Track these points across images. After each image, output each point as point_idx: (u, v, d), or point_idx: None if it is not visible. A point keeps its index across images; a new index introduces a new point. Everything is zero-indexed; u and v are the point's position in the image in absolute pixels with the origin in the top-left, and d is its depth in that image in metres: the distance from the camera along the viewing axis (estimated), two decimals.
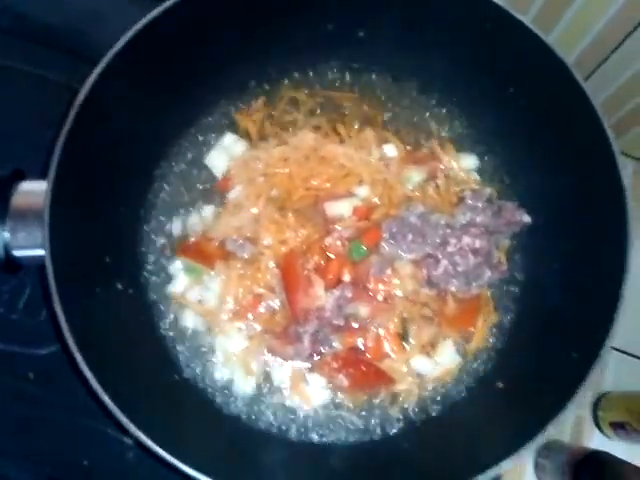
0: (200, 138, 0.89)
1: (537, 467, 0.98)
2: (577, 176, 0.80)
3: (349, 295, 0.82)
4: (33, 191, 0.67)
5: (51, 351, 0.88)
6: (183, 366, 0.81)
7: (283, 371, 0.81)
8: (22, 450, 0.86)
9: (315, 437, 0.80)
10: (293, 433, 0.80)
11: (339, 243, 0.84)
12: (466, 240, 0.84)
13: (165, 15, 0.73)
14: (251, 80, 0.91)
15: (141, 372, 0.73)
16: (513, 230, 0.88)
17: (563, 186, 0.82)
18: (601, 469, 0.84)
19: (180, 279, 0.84)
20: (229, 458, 0.71)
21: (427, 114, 0.93)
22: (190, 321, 0.83)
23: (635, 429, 0.91)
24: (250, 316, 0.82)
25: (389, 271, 0.84)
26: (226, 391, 0.81)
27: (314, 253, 0.83)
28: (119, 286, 0.78)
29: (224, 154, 0.88)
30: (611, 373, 1.00)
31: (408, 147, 0.91)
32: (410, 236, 0.84)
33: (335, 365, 0.79)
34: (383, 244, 0.85)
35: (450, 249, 0.84)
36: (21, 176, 0.70)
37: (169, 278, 0.84)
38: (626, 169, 1.05)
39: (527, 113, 0.84)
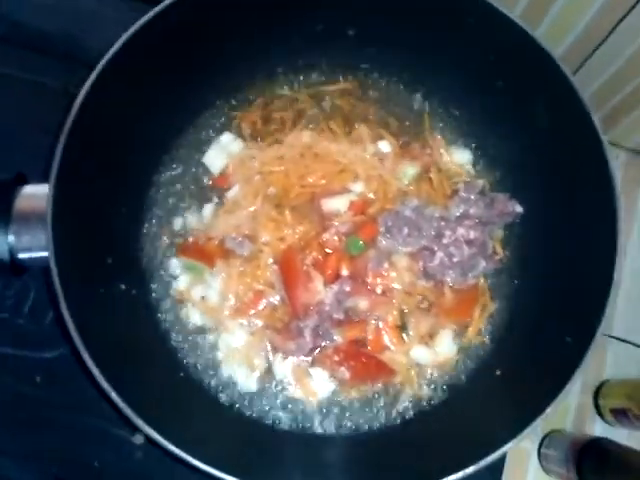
0: (198, 138, 0.91)
1: (541, 457, 0.98)
2: (567, 167, 0.81)
3: (348, 289, 0.83)
4: (35, 194, 0.69)
5: (57, 354, 0.90)
6: (188, 363, 0.83)
7: (285, 366, 0.82)
8: (31, 453, 0.87)
9: (320, 429, 0.82)
10: (299, 426, 0.81)
11: (336, 238, 0.86)
12: (460, 231, 0.85)
13: (158, 18, 0.74)
14: (246, 80, 0.92)
15: (147, 370, 0.75)
16: (506, 221, 0.89)
17: (554, 177, 0.84)
18: (603, 455, 0.85)
19: (182, 278, 0.85)
20: (238, 452, 0.72)
21: (418, 109, 0.94)
22: (193, 319, 0.85)
23: (636, 415, 0.92)
24: (251, 312, 0.84)
25: (386, 264, 0.85)
26: (231, 387, 0.82)
27: (312, 249, 0.85)
28: (122, 286, 0.79)
29: (221, 153, 0.90)
30: (611, 361, 1.01)
31: (401, 142, 0.92)
32: (406, 229, 0.86)
33: (336, 358, 0.80)
34: (380, 238, 0.86)
35: (445, 241, 0.86)
36: (23, 180, 0.71)
37: (171, 277, 0.86)
38: (618, 159, 1.09)
39: (516, 107, 0.85)
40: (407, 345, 0.84)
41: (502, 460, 0.92)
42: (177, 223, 0.88)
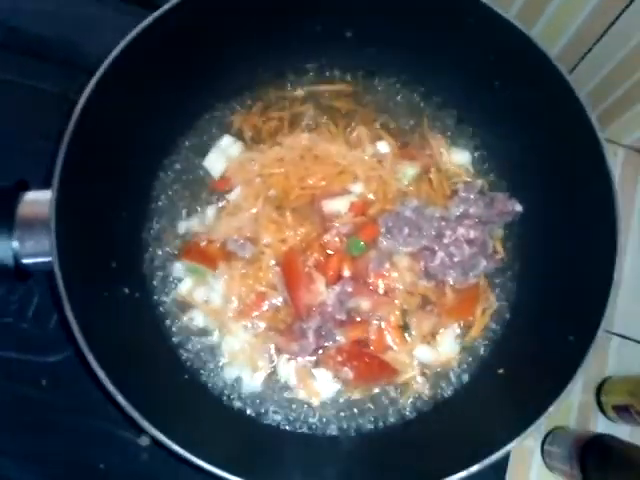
0: (198, 141, 0.91)
1: (545, 454, 0.99)
2: (566, 165, 0.82)
3: (350, 290, 0.84)
4: (38, 200, 0.69)
5: (62, 358, 0.90)
6: (192, 366, 0.83)
7: (289, 367, 0.83)
8: (37, 455, 0.88)
9: (323, 430, 0.82)
10: (303, 427, 0.82)
11: (337, 239, 0.86)
12: (461, 231, 0.86)
13: (157, 23, 0.75)
14: (245, 83, 0.92)
15: (152, 373, 0.75)
16: (506, 220, 0.90)
17: (553, 176, 0.84)
18: (606, 452, 0.86)
19: (185, 281, 0.86)
20: (242, 452, 0.72)
21: (418, 110, 0.95)
22: (196, 321, 0.85)
23: (638, 412, 0.93)
24: (254, 314, 0.84)
25: (387, 265, 0.86)
26: (235, 388, 0.83)
27: (314, 250, 0.85)
28: (126, 290, 0.79)
29: (221, 156, 0.90)
30: (613, 358, 1.01)
31: (400, 143, 0.93)
32: (406, 230, 0.86)
33: (339, 359, 0.81)
34: (380, 239, 0.86)
35: (446, 241, 0.86)
36: (25, 186, 0.72)
37: (174, 280, 0.86)
38: (616, 156, 1.09)
39: (513, 107, 0.85)
40: (409, 345, 0.84)
41: (506, 458, 0.92)
42: (179, 226, 0.88)
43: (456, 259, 0.85)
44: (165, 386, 0.77)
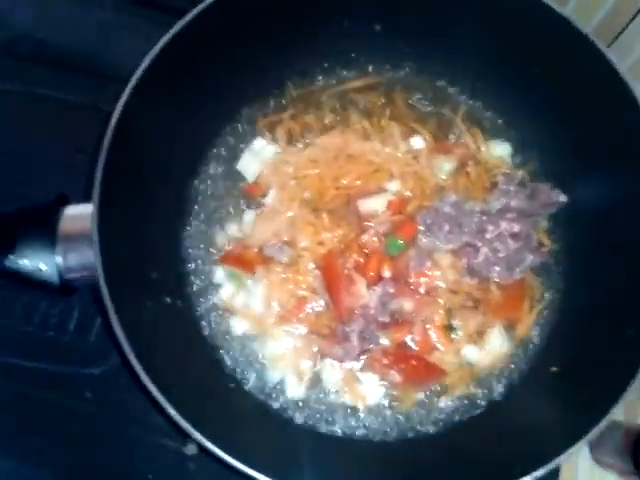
0: (231, 145, 0.91)
1: (593, 448, 0.96)
2: (611, 149, 0.78)
3: (391, 291, 0.82)
4: (78, 214, 0.69)
5: (104, 369, 0.90)
6: (236, 373, 0.82)
7: (334, 371, 0.81)
8: (84, 469, 0.88)
9: (372, 435, 0.80)
10: (350, 432, 0.81)
11: (375, 239, 0.84)
12: (504, 225, 0.83)
13: (187, 28, 0.74)
14: (274, 83, 0.92)
15: (198, 381, 0.75)
16: (550, 211, 0.87)
17: (597, 161, 0.81)
18: None
19: (225, 287, 0.85)
20: (291, 460, 0.72)
21: (452, 102, 0.92)
22: (239, 328, 0.84)
23: None
24: (296, 319, 0.83)
25: (429, 263, 0.84)
26: (280, 394, 0.82)
27: (352, 252, 0.84)
28: (168, 300, 0.79)
29: (255, 158, 0.89)
30: None
31: (436, 137, 0.91)
32: (446, 226, 0.84)
33: (386, 362, 0.79)
34: (420, 237, 0.85)
35: (488, 236, 0.84)
36: (65, 201, 0.72)
37: (214, 287, 0.86)
38: None
39: (553, 91, 0.83)
40: (456, 345, 0.82)
41: None
42: (216, 233, 0.88)
43: (501, 254, 0.82)
44: (212, 394, 0.76)
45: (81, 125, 1.01)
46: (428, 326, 0.82)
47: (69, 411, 0.89)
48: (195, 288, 0.85)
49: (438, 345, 0.82)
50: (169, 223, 0.84)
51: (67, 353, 0.91)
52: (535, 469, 0.62)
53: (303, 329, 0.83)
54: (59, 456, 0.88)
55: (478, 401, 0.81)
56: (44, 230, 0.67)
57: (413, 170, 0.88)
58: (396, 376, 0.79)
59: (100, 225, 0.66)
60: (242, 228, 0.87)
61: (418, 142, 0.90)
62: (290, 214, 0.85)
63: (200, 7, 0.74)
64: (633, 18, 0.90)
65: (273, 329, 0.83)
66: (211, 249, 0.87)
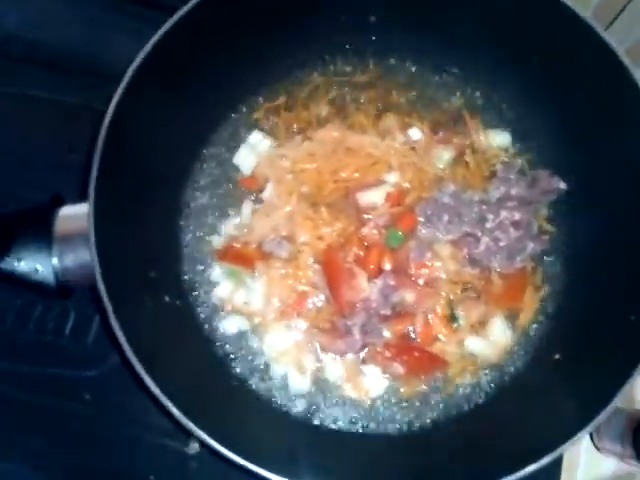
0: (227, 140, 0.89)
1: (594, 435, 0.96)
2: (611, 135, 0.78)
3: (392, 283, 0.81)
4: (74, 215, 0.68)
5: (103, 371, 0.89)
6: (238, 370, 0.82)
7: (337, 365, 0.81)
8: (85, 471, 0.87)
9: (375, 427, 0.80)
10: (353, 425, 0.80)
11: (375, 232, 0.84)
12: (504, 214, 0.83)
13: (179, 26, 0.73)
14: (271, 77, 0.90)
15: (199, 379, 0.74)
16: (550, 199, 0.86)
17: (595, 147, 0.81)
18: None
19: (224, 284, 0.84)
20: (295, 454, 0.71)
21: (449, 93, 0.92)
22: (239, 325, 0.83)
23: None
24: (297, 314, 0.82)
25: (429, 254, 0.83)
26: (283, 390, 0.81)
27: (352, 245, 0.83)
28: (167, 298, 0.78)
29: (251, 152, 0.88)
30: None
31: (434, 128, 0.90)
32: (446, 217, 0.84)
33: (388, 354, 0.79)
34: (420, 228, 0.84)
35: (489, 225, 0.83)
36: (60, 201, 0.70)
37: (213, 285, 0.85)
38: None
39: (552, 78, 0.82)
40: (458, 335, 0.82)
41: None
42: (214, 230, 0.87)
43: (502, 243, 0.82)
44: (213, 392, 0.76)
45: (74, 125, 1.00)
46: (430, 316, 0.82)
47: (68, 414, 0.87)
48: (194, 286, 0.84)
49: (440, 336, 0.82)
50: (166, 221, 0.83)
51: (64, 356, 0.90)
52: (541, 457, 0.62)
53: (304, 324, 0.82)
54: (60, 459, 0.87)
55: (481, 391, 0.81)
56: (40, 231, 0.66)
57: (411, 161, 0.88)
58: (399, 368, 0.78)
59: (96, 224, 0.64)
60: (240, 224, 0.86)
61: (416, 133, 0.89)
62: (288, 209, 0.85)
63: (190, 4, 0.72)
64: (630, 0, 0.90)
65: (274, 325, 0.82)
66: (209, 246, 0.86)
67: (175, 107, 0.78)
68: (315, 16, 0.84)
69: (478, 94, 0.91)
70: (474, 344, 0.82)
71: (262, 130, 0.89)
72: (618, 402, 0.83)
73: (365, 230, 0.84)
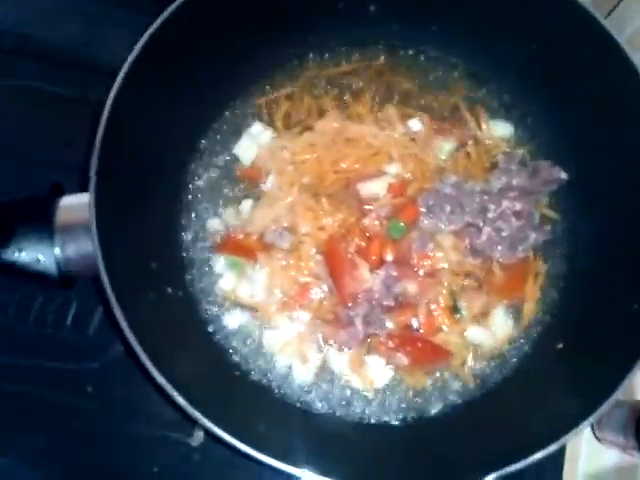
0: (227, 131, 0.89)
1: (595, 426, 0.96)
2: (612, 123, 0.78)
3: (394, 274, 0.81)
4: (75, 205, 0.68)
5: (104, 363, 0.89)
6: (241, 361, 0.81)
7: (340, 356, 0.81)
8: (89, 464, 0.87)
9: (379, 417, 0.80)
10: (358, 416, 0.80)
11: (377, 223, 0.84)
12: (506, 204, 0.83)
13: (176, 15, 0.73)
14: (270, 68, 0.90)
15: (202, 370, 0.74)
16: (551, 189, 0.86)
17: (597, 137, 0.81)
18: None
19: (226, 276, 0.84)
20: (299, 444, 0.71)
21: (449, 83, 0.91)
22: (241, 316, 0.83)
23: None
24: (299, 305, 0.82)
25: (431, 245, 0.83)
26: (286, 381, 0.81)
27: (354, 236, 0.83)
28: (169, 290, 0.78)
29: (252, 143, 0.88)
30: None
31: (433, 119, 0.89)
32: (448, 207, 0.84)
33: (391, 345, 0.79)
34: (421, 218, 0.84)
35: (490, 215, 0.83)
36: (60, 191, 0.70)
37: (215, 276, 0.84)
38: None
39: (552, 68, 0.82)
40: (461, 325, 0.82)
41: None
42: (215, 221, 0.86)
43: (504, 234, 0.82)
44: (217, 383, 0.76)
45: (70, 118, 0.99)
46: (433, 307, 0.82)
47: (71, 407, 0.87)
48: (195, 277, 0.84)
49: (443, 326, 0.81)
50: (166, 212, 0.83)
51: (66, 349, 0.90)
52: (545, 447, 0.62)
53: (307, 315, 0.82)
54: (63, 453, 0.86)
55: (484, 381, 0.81)
56: (41, 221, 0.65)
57: (412, 152, 0.87)
58: (403, 358, 0.78)
59: (97, 215, 0.64)
60: (241, 215, 0.86)
61: (416, 124, 0.89)
62: (289, 199, 0.84)
63: None
64: None
65: (276, 316, 0.82)
66: (210, 237, 0.85)
67: (174, 97, 0.78)
68: (314, 6, 0.84)
69: (479, 85, 0.91)
70: (476, 334, 0.82)
71: (262, 121, 0.89)
72: (621, 392, 0.84)
73: (367, 221, 0.83)
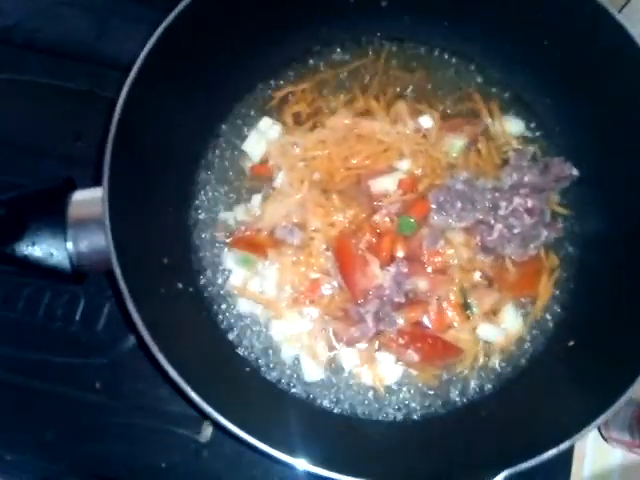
0: (238, 126, 0.89)
1: (601, 424, 0.96)
2: (624, 117, 0.77)
3: (405, 270, 0.81)
4: (87, 199, 0.68)
5: (113, 358, 0.89)
6: (251, 357, 0.81)
7: (351, 352, 0.81)
8: (97, 460, 0.87)
9: (390, 414, 0.80)
10: (368, 412, 0.80)
11: (387, 219, 0.83)
12: (517, 201, 0.82)
13: (189, 10, 0.72)
14: (281, 63, 0.90)
15: (213, 365, 0.74)
16: (563, 185, 0.86)
17: (607, 131, 0.80)
18: None
19: (236, 272, 0.84)
20: (307, 438, 0.70)
21: (461, 79, 0.91)
22: (251, 312, 0.83)
23: None
24: (309, 301, 0.82)
25: (442, 242, 0.83)
26: (297, 378, 0.81)
27: (364, 232, 0.83)
28: (180, 285, 0.78)
29: (261, 138, 0.88)
30: None
31: (446, 115, 0.89)
32: (459, 204, 0.83)
33: (402, 341, 0.79)
34: (432, 215, 0.84)
35: (501, 212, 0.83)
36: (72, 185, 0.70)
37: (226, 272, 0.84)
38: None
39: (565, 63, 0.82)
40: (472, 322, 0.82)
41: None
42: (225, 217, 0.86)
43: (516, 231, 0.81)
44: (228, 378, 0.76)
45: (79, 111, 0.99)
46: (444, 305, 0.81)
47: (79, 402, 0.87)
48: (206, 273, 0.84)
49: (453, 323, 0.81)
50: (178, 208, 0.82)
51: (74, 344, 0.90)
52: (556, 445, 0.62)
53: (317, 312, 0.82)
54: (71, 447, 0.87)
55: (495, 378, 0.81)
56: (54, 215, 0.65)
57: (423, 149, 0.87)
58: (413, 355, 0.78)
59: (111, 210, 0.64)
60: (251, 211, 0.86)
61: (427, 121, 0.89)
62: (300, 196, 0.84)
63: None
64: None
65: (286, 312, 0.82)
66: (221, 233, 0.85)
67: (185, 94, 0.78)
68: (327, 1, 0.83)
69: (491, 81, 0.91)
70: (487, 331, 0.82)
71: (272, 116, 0.89)
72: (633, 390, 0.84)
73: (377, 217, 0.83)
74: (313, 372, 0.81)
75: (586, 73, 0.80)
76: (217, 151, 0.88)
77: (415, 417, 0.80)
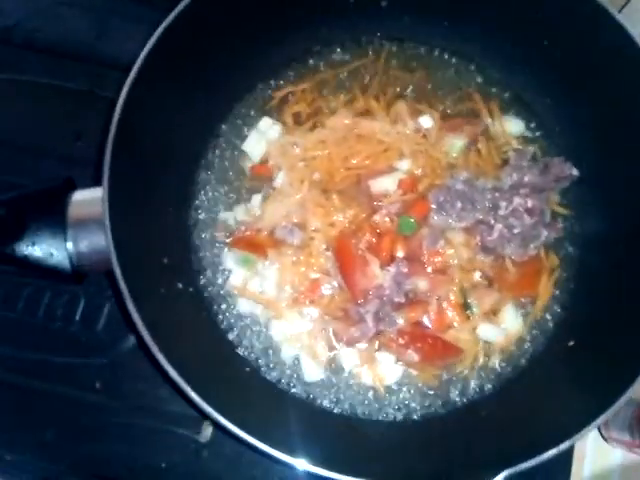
0: (238, 126, 0.89)
1: (601, 424, 0.96)
2: (623, 117, 0.78)
3: (405, 270, 0.81)
4: (87, 199, 0.68)
5: (113, 358, 0.89)
6: (251, 357, 0.82)
7: (351, 352, 0.81)
8: (97, 460, 0.87)
9: (390, 414, 0.80)
10: (368, 412, 0.80)
11: (387, 219, 0.83)
12: (517, 201, 0.82)
13: (189, 9, 0.72)
14: (281, 63, 0.90)
15: (213, 365, 0.74)
16: (562, 185, 0.86)
17: (607, 131, 0.80)
18: None
19: (236, 272, 0.84)
20: (307, 438, 0.70)
21: (461, 79, 0.91)
22: (251, 312, 0.83)
23: None
24: (309, 301, 0.82)
25: (442, 242, 0.83)
26: (297, 378, 0.81)
27: (364, 232, 0.83)
28: (180, 285, 0.78)
29: (261, 138, 0.88)
30: None
31: (446, 115, 0.89)
32: (459, 204, 0.83)
33: (402, 341, 0.79)
34: (432, 215, 0.84)
35: (501, 212, 0.83)
36: (72, 185, 0.70)
37: (226, 272, 0.84)
38: None
39: (564, 63, 0.82)
40: (472, 322, 0.82)
41: None
42: (225, 217, 0.86)
43: (516, 231, 0.81)
44: (228, 378, 0.76)
45: (79, 111, 0.99)
46: (444, 305, 0.81)
47: (79, 402, 0.87)
48: (206, 273, 0.84)
49: (453, 323, 0.81)
50: (178, 208, 0.82)
51: (74, 344, 0.90)
52: (556, 445, 0.62)
53: (317, 311, 0.82)
54: (71, 447, 0.87)
55: (495, 378, 0.81)
56: (54, 215, 0.65)
57: (424, 149, 0.87)
58: (413, 355, 0.78)
59: (111, 210, 0.64)
60: (251, 211, 0.86)
61: (426, 121, 0.89)
62: (300, 196, 0.84)
63: None
64: None
65: (286, 312, 0.82)
66: (221, 233, 0.85)
67: (185, 94, 0.78)
68: (327, 1, 0.83)
69: (491, 81, 0.91)
70: (487, 331, 0.82)
71: (272, 116, 0.89)
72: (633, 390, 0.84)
73: (377, 217, 0.83)
74: (313, 372, 0.81)
75: (586, 73, 0.80)
76: (217, 151, 0.88)
77: (415, 417, 0.80)
